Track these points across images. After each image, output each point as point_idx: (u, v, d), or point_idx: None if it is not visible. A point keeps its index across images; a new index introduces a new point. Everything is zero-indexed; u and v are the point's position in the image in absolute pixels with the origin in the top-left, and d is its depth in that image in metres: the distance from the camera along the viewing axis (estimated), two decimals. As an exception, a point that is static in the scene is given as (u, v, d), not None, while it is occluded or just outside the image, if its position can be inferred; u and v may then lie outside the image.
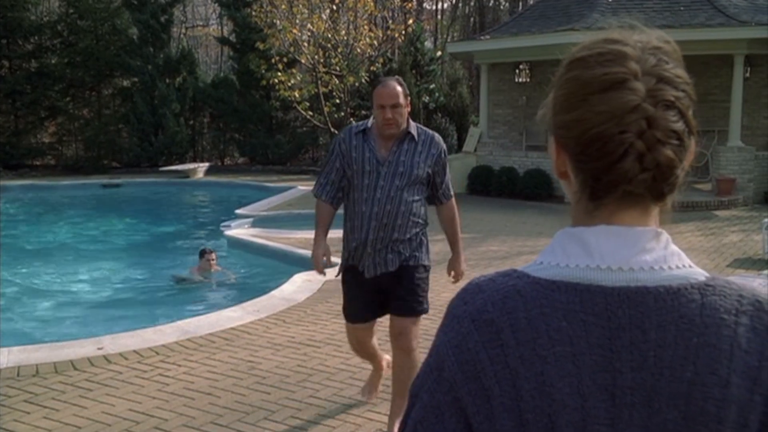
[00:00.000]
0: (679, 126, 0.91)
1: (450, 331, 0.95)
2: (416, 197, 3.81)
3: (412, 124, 3.86)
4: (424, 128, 3.92)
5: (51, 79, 20.40)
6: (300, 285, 7.43)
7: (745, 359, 0.90)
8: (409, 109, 3.81)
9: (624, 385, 0.88)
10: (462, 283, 7.34)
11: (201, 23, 33.53)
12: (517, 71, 17.02)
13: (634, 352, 0.89)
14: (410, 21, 20.14)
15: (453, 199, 4.07)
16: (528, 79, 16.96)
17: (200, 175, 18.95)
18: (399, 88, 3.72)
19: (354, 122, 4.22)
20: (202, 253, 8.89)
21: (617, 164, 0.90)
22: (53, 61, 20.85)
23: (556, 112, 0.96)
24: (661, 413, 0.89)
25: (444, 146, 3.92)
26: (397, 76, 3.91)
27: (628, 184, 0.91)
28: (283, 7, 17.42)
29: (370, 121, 3.87)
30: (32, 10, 21.30)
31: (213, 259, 8.82)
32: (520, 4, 31.20)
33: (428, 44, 25.37)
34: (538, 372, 0.88)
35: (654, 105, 0.90)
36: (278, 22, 17.39)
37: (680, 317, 0.90)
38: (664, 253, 0.93)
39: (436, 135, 3.90)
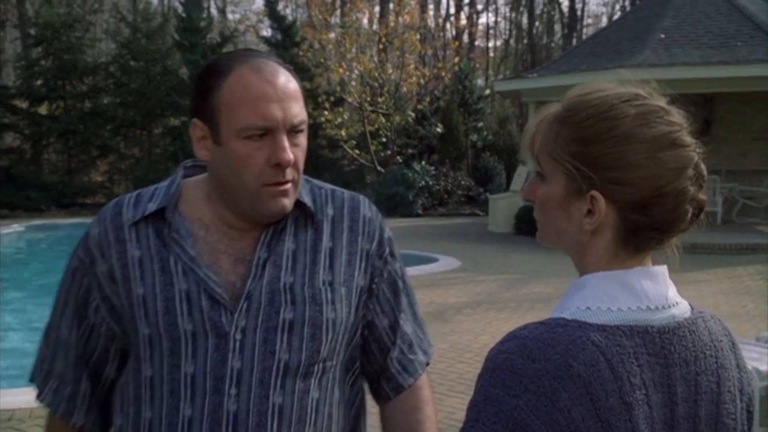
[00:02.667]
0: None
1: (524, 393, 0.88)
2: (337, 392, 1.38)
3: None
4: (327, 186, 1.45)
5: (103, 119, 20.87)
6: (336, 326, 7.21)
7: (735, 373, 1.02)
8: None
9: (679, 416, 0.94)
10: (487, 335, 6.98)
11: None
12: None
13: (683, 385, 0.95)
14: (456, 59, 20.09)
15: (425, 382, 1.47)
16: (578, 117, 16.61)
17: (246, 213, 19.00)
18: (293, 84, 1.29)
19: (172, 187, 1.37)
20: None
21: (683, 215, 0.96)
22: (106, 101, 21.36)
23: (607, 168, 0.95)
24: None
25: (386, 230, 1.45)
26: (264, 51, 1.45)
27: (683, 232, 0.99)
28: (331, 46, 17.55)
29: (175, 182, 1.37)
30: (87, 52, 21.91)
31: None
32: (574, 40, 30.97)
33: (480, 82, 25.33)
34: (626, 419, 0.90)
35: (698, 156, 0.98)
36: (327, 60, 17.51)
37: (704, 346, 0.99)
38: (673, 288, 1.01)
39: (360, 198, 1.45)
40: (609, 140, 0.95)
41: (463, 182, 18.82)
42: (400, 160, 19.50)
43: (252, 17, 34.39)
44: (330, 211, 1.39)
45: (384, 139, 19.48)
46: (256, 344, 1.27)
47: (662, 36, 14.56)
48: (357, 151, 19.45)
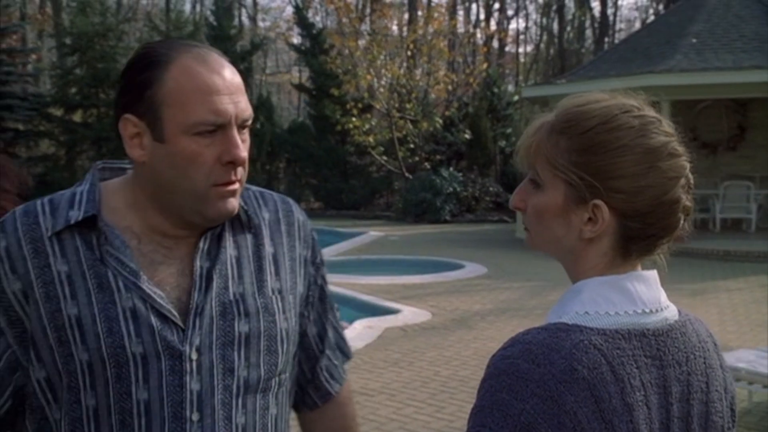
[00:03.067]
0: None
1: (530, 397, 0.90)
2: (287, 407, 1.36)
3: None
4: (252, 186, 1.36)
5: (135, 126, 21.19)
6: (360, 332, 7.24)
7: (720, 373, 1.06)
8: None
9: (673, 416, 0.98)
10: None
11: (285, 69, 34.47)
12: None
13: (677, 386, 0.99)
14: (484, 65, 20.03)
15: (348, 385, 1.49)
16: (607, 123, 16.43)
17: (275, 219, 19.07)
18: (238, 78, 1.22)
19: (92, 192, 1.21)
20: None
21: (677, 223, 1.01)
22: (138, 109, 21.67)
23: (611, 177, 0.98)
24: None
25: (315, 234, 1.41)
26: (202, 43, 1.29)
27: (673, 238, 1.03)
28: (358, 53, 17.61)
29: (96, 186, 1.23)
30: (120, 60, 22.25)
31: None
32: (606, 46, 30.67)
33: (510, 88, 25.28)
34: (627, 420, 0.92)
35: (689, 165, 1.02)
36: (357, 68, 17.57)
37: (693, 347, 1.03)
38: (663, 292, 1.04)
39: (290, 200, 1.40)
40: (613, 150, 0.98)
41: (491, 188, 18.73)
42: (428, 167, 19.48)
43: (282, 25, 34.70)
44: (266, 215, 1.32)
45: (412, 146, 19.48)
46: (214, 363, 1.17)
47: (694, 40, 14.35)
48: (385, 158, 19.46)
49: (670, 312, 1.03)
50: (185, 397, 1.15)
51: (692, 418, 1.00)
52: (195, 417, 1.16)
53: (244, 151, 1.17)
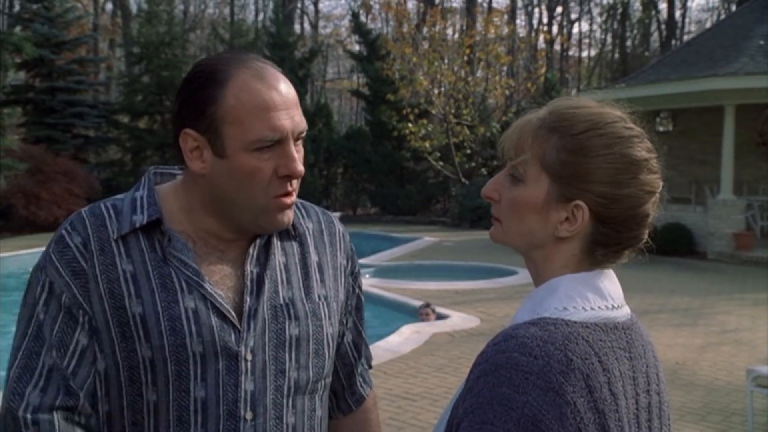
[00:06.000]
0: None
1: (532, 389, 0.91)
2: (327, 409, 1.41)
3: None
4: (298, 200, 1.34)
5: (198, 132, 21.69)
6: (407, 336, 7.27)
7: (660, 365, 1.09)
8: None
9: (641, 407, 1.01)
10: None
11: (345, 76, 34.81)
12: (657, 119, 16.21)
13: (642, 378, 1.02)
14: (542, 69, 19.83)
15: (374, 393, 1.56)
16: (670, 128, 16.08)
17: (332, 224, 19.25)
18: (292, 90, 1.23)
19: (140, 199, 1.25)
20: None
21: (642, 236, 1.04)
22: (200, 116, 22.18)
23: (599, 182, 1.00)
24: (653, 424, 1.04)
25: (352, 245, 1.46)
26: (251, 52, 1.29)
27: (635, 249, 1.06)
28: (415, 59, 17.66)
29: (153, 191, 1.27)
30: (183, 68, 22.83)
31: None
32: (673, 49, 29.96)
33: (574, 92, 25.05)
34: (614, 410, 0.94)
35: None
36: (411, 74, 17.63)
37: (645, 341, 1.07)
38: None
39: (329, 212, 1.47)
40: (602, 156, 1.00)
41: (549, 194, 18.52)
42: (485, 172, 19.38)
43: (343, 32, 35.04)
44: (309, 225, 1.37)
45: (468, 151, 19.41)
46: (267, 364, 1.22)
47: (761, 42, 13.92)
48: (441, 163, 19.45)
49: (628, 308, 1.07)
50: (240, 396, 1.19)
51: (652, 409, 1.04)
52: (248, 416, 1.20)
53: (300, 164, 1.21)
